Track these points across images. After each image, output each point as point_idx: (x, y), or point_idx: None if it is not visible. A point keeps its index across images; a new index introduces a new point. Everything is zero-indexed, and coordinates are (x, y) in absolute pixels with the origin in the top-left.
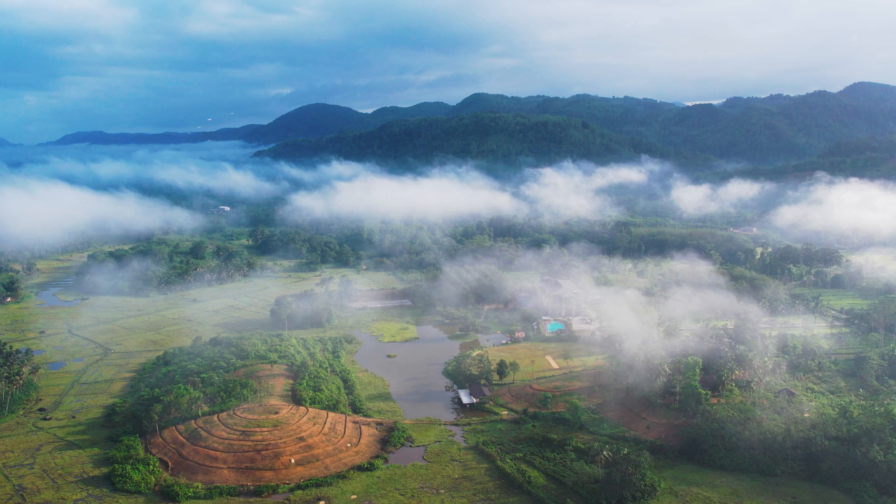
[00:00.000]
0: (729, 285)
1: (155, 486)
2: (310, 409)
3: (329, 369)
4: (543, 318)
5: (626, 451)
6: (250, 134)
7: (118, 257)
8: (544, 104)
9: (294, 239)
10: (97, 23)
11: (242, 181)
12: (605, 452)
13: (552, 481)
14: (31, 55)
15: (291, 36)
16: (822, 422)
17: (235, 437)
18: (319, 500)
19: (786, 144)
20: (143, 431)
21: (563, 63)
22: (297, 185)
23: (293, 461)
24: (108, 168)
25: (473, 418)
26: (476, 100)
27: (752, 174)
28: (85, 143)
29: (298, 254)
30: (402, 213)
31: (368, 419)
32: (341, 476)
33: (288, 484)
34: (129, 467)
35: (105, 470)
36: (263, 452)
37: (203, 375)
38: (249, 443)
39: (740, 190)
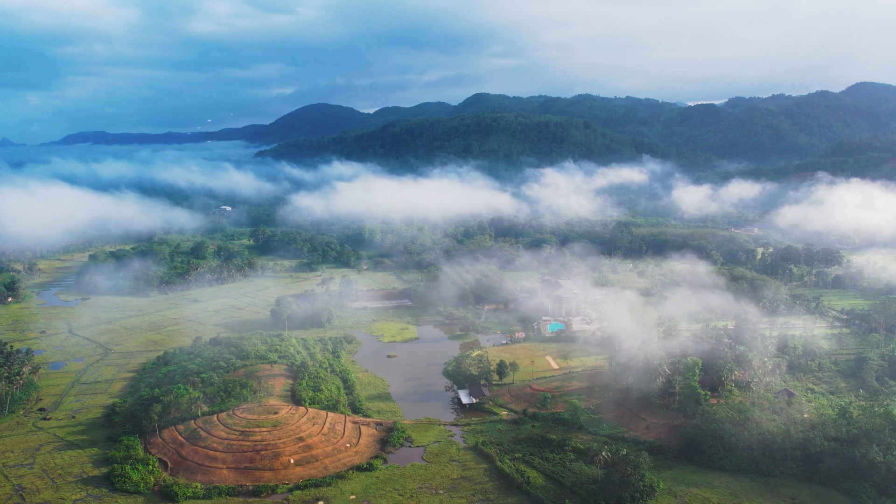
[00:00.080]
0: (729, 286)
1: (154, 486)
2: (309, 410)
3: (329, 369)
4: (543, 318)
5: (624, 451)
6: (252, 134)
7: (119, 257)
8: (546, 104)
9: (295, 239)
10: (98, 23)
11: (243, 181)
12: (603, 453)
13: (551, 482)
14: (32, 55)
15: (293, 36)
16: (821, 422)
17: (235, 437)
18: (318, 500)
19: (788, 144)
20: (142, 431)
21: (565, 63)
22: (299, 186)
23: (292, 461)
24: (110, 168)
25: (473, 418)
26: (478, 100)
27: (753, 174)
28: (87, 143)
29: (299, 254)
30: (402, 213)
31: (368, 419)
32: (340, 476)
33: (287, 484)
34: (128, 467)
35: (104, 470)
36: (263, 452)
37: (203, 375)
38: (249, 443)
39: (741, 190)
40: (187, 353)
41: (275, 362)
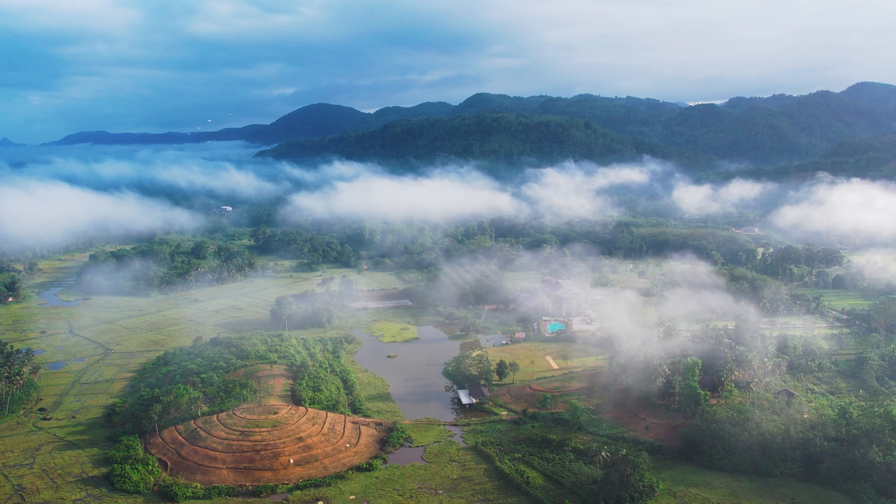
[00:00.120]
0: (729, 286)
1: (154, 486)
2: (309, 410)
3: (329, 369)
4: (544, 318)
5: (624, 451)
6: (253, 134)
7: (119, 257)
8: (547, 104)
9: (295, 239)
10: (101, 23)
11: (244, 181)
12: (603, 453)
13: (551, 482)
14: (34, 55)
15: (294, 36)
16: (821, 423)
17: (234, 437)
18: (318, 500)
19: (788, 144)
20: (142, 431)
21: (566, 63)
22: (299, 186)
23: (292, 461)
24: (111, 168)
25: (473, 419)
26: (479, 100)
27: (754, 174)
28: (88, 143)
29: (300, 254)
30: (402, 213)
31: (368, 419)
32: (340, 476)
33: (286, 484)
34: (128, 467)
35: (104, 470)
36: (262, 453)
37: (203, 375)
38: (248, 443)
39: (742, 190)
40: (187, 353)
41: (275, 362)
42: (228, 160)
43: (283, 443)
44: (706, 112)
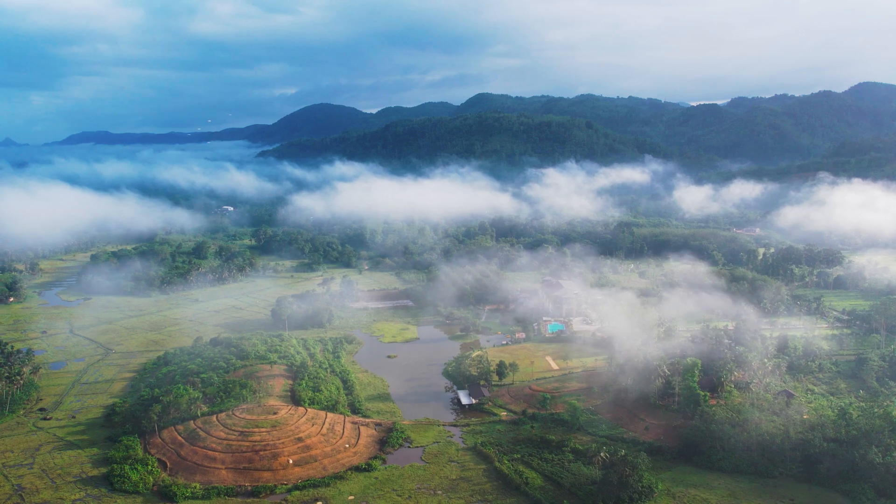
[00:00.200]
0: (730, 286)
1: (153, 486)
2: (308, 410)
3: (329, 370)
4: (544, 318)
5: (623, 452)
6: (255, 134)
7: (120, 257)
8: (549, 104)
9: (296, 239)
10: (102, 23)
11: (245, 181)
12: (602, 454)
13: (550, 482)
14: (36, 55)
15: (296, 36)
16: (820, 423)
17: (234, 437)
18: (317, 500)
19: (790, 145)
20: (142, 432)
21: (568, 63)
22: (301, 186)
23: (291, 462)
24: (112, 168)
25: (472, 419)
26: (480, 100)
27: (755, 174)
28: (90, 143)
29: (300, 254)
30: (403, 213)
31: (367, 420)
32: (339, 477)
33: (286, 484)
34: (127, 467)
35: (104, 470)
36: (261, 453)
37: (203, 376)
38: (248, 443)
39: (743, 190)
40: (187, 354)
41: (275, 363)
42: (230, 160)
43: (283, 443)
44: (708, 112)
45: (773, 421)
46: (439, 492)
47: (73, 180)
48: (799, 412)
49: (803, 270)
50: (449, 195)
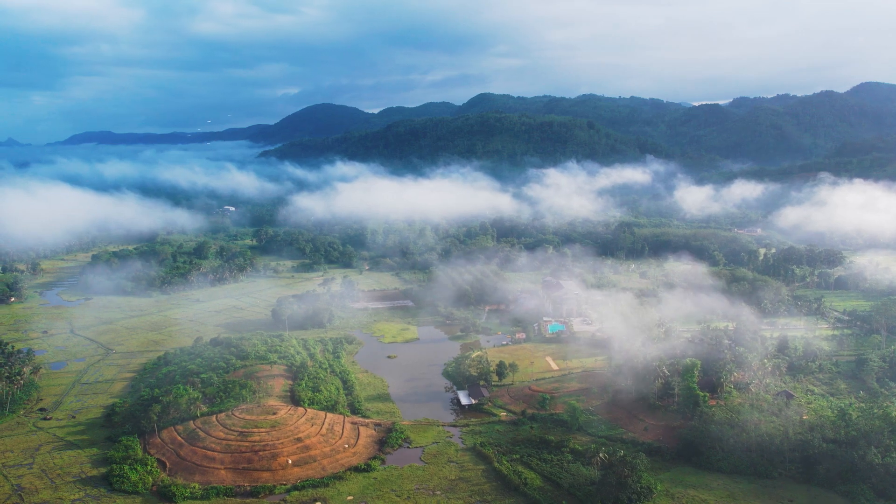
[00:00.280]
0: (731, 287)
1: (152, 486)
2: (308, 410)
3: (329, 370)
4: (544, 319)
5: (622, 453)
6: (257, 134)
7: (122, 257)
8: (550, 104)
9: (297, 239)
10: (104, 23)
11: (246, 181)
12: (601, 454)
13: (549, 483)
14: (38, 55)
15: (298, 36)
16: (819, 424)
17: (233, 437)
18: (316, 500)
19: (792, 145)
20: (142, 432)
21: (569, 63)
22: (302, 186)
23: (290, 462)
24: (114, 168)
25: (472, 419)
26: (482, 100)
27: (756, 175)
28: (93, 143)
29: (301, 254)
30: (404, 213)
31: (367, 420)
32: (338, 477)
33: (285, 485)
34: (127, 467)
35: (103, 470)
36: (261, 453)
37: (203, 376)
38: (247, 443)
39: (744, 190)
40: (188, 354)
41: (274, 363)
42: (232, 160)
43: (282, 443)
44: (710, 112)
45: (773, 422)
46: (438, 492)
47: (75, 180)
48: (798, 413)
49: (804, 271)
50: (450, 195)
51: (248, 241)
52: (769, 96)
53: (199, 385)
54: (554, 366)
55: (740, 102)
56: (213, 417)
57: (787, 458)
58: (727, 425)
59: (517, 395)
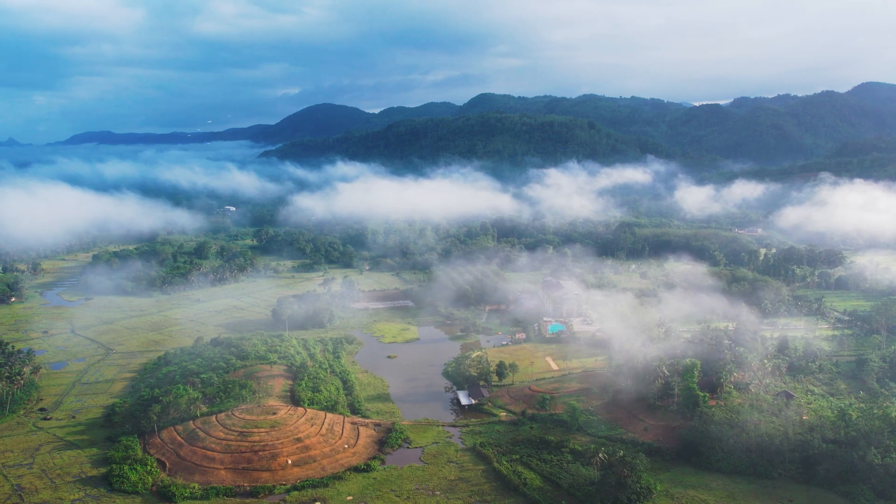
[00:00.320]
0: (731, 287)
1: (152, 486)
2: (308, 410)
3: (329, 370)
4: (544, 319)
5: (622, 453)
6: (258, 134)
7: (122, 257)
8: (551, 104)
9: (298, 239)
10: (105, 23)
11: (247, 181)
12: (601, 454)
13: (548, 483)
14: (39, 56)
15: (299, 36)
16: (819, 424)
17: (233, 437)
18: (315, 500)
19: (793, 145)
20: (141, 432)
21: (570, 63)
22: (302, 186)
23: (290, 462)
24: (115, 168)
25: (472, 420)
26: (483, 100)
27: (757, 175)
28: (93, 143)
29: (302, 254)
30: (404, 213)
31: (366, 420)
32: (338, 477)
33: (284, 485)
34: (126, 467)
35: (103, 470)
36: (260, 453)
37: (203, 376)
38: (247, 443)
39: (745, 191)
40: (188, 354)
41: (274, 363)
42: (232, 160)
43: (282, 443)
44: (711, 112)
45: (773, 422)
46: (438, 492)
47: (75, 180)
48: (798, 413)
49: (804, 271)
50: (450, 195)
51: (248, 241)
52: (770, 96)
53: (199, 385)
54: (554, 366)
55: (741, 102)
56: (213, 417)
57: (786, 459)
58: (727, 425)
59: (517, 395)
